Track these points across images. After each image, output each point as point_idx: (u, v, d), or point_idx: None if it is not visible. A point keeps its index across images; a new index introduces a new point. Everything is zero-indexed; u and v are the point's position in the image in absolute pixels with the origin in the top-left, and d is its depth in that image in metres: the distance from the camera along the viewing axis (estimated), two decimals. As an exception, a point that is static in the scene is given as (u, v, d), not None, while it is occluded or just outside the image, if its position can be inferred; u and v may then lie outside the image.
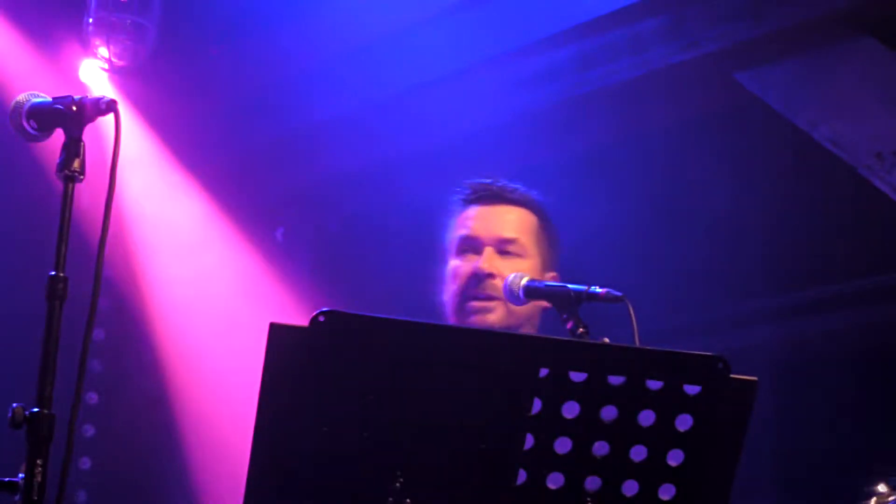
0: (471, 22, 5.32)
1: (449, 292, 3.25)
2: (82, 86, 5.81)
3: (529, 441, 2.21)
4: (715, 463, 2.28)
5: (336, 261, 6.62)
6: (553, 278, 3.25)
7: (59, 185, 2.48)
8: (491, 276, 3.17)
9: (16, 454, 2.38)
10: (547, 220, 3.35)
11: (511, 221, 3.29)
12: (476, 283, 3.18)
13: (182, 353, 6.40)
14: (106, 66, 5.75)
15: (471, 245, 3.25)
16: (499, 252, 3.23)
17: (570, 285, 2.97)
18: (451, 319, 3.23)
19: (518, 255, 3.24)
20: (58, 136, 2.54)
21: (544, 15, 5.13)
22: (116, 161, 2.48)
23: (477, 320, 3.16)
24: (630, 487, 2.26)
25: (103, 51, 5.68)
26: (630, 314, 2.85)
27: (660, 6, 4.86)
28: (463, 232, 3.28)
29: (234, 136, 6.31)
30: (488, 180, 3.35)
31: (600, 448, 2.24)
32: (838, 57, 4.63)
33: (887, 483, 2.72)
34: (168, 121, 6.16)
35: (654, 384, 2.22)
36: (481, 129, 5.58)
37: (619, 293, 2.89)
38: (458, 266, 3.25)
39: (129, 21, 5.61)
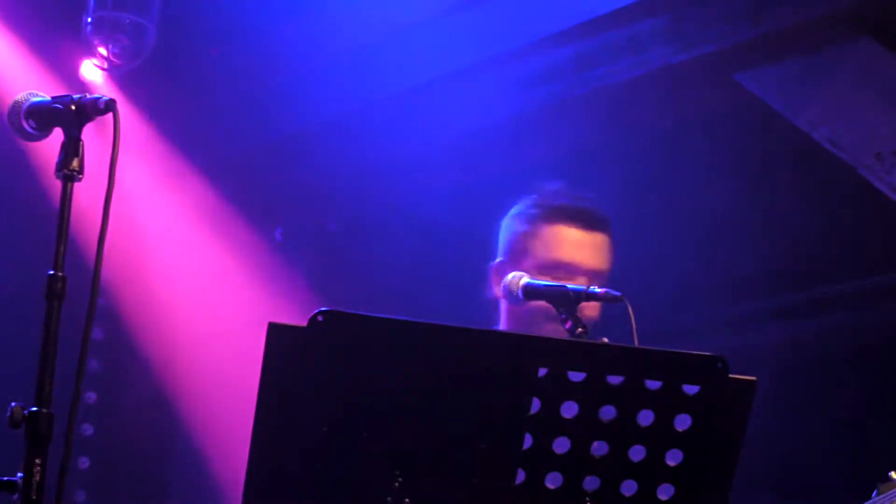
0: (471, 22, 5.32)
1: (524, 304, 3.13)
2: (82, 85, 5.80)
3: (528, 441, 2.21)
4: (714, 463, 2.28)
5: (335, 261, 6.62)
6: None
7: (58, 184, 2.48)
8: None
9: (14, 453, 2.38)
10: (614, 236, 3.34)
11: (604, 253, 3.27)
12: None
13: (181, 353, 6.39)
14: (105, 66, 5.74)
15: (565, 271, 3.20)
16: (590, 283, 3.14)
17: (568, 285, 2.96)
18: (503, 323, 3.23)
19: (601, 285, 3.13)
20: (57, 136, 2.54)
21: (544, 15, 5.13)
22: (115, 161, 2.48)
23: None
24: (629, 487, 2.26)
25: (102, 50, 5.67)
26: (629, 314, 2.85)
27: (659, 6, 4.86)
28: (557, 255, 3.23)
29: (234, 137, 6.30)
30: (580, 199, 3.31)
31: (599, 448, 2.24)
32: (837, 57, 4.63)
33: None
34: (167, 121, 6.16)
35: (653, 384, 2.22)
36: (481, 128, 5.58)
37: (617, 293, 2.89)
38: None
39: (128, 21, 5.60)
